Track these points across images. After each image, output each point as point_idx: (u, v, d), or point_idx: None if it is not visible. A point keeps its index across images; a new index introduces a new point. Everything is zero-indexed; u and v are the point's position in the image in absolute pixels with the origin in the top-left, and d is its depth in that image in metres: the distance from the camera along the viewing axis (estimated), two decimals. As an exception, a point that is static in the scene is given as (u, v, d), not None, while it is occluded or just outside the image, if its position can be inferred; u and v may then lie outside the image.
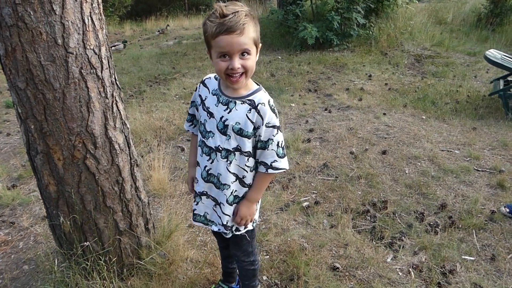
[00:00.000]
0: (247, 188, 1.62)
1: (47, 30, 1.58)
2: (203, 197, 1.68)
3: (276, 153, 1.50)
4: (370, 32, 7.80)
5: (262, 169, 1.55)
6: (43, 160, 1.82)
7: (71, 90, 1.70)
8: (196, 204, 1.72)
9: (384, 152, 3.62)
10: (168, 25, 12.66)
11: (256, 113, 1.46)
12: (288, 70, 6.73)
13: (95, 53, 1.76)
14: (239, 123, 1.47)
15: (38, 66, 1.61)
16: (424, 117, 4.60)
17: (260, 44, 1.46)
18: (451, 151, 3.67)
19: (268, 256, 2.38)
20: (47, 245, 2.55)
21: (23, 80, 1.64)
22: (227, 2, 1.42)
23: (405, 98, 5.24)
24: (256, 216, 1.72)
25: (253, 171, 1.60)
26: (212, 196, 1.65)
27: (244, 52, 1.38)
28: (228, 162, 1.53)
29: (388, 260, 2.34)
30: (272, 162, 1.51)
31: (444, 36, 8.16)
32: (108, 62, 1.86)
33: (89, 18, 1.70)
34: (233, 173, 1.56)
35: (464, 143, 3.83)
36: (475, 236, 2.51)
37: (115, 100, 1.91)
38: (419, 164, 3.43)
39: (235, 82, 1.42)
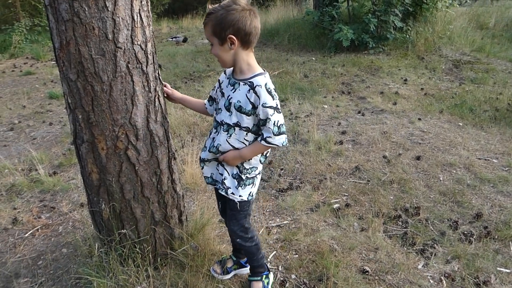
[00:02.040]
0: None
1: (99, 25, 1.66)
2: (206, 162, 1.92)
3: (272, 131, 1.68)
4: (407, 36, 7.66)
5: (259, 138, 1.75)
6: (88, 149, 1.91)
7: (117, 83, 1.78)
8: (202, 169, 1.96)
9: (418, 158, 3.56)
10: None
11: (253, 93, 1.66)
12: (321, 71, 6.70)
13: (142, 49, 1.83)
14: (240, 101, 1.70)
15: (89, 59, 1.70)
16: (461, 124, 4.49)
17: (231, 36, 1.62)
18: (488, 159, 3.57)
19: (297, 255, 2.40)
20: (84, 231, 2.66)
21: (74, 72, 1.73)
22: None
23: (441, 104, 5.12)
24: (254, 190, 1.89)
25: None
26: (214, 159, 1.90)
27: (210, 42, 1.70)
28: (228, 135, 1.76)
29: (419, 266, 2.31)
30: (267, 137, 1.70)
31: (485, 42, 7.90)
32: (153, 58, 1.93)
33: (138, 15, 1.77)
34: (232, 145, 1.77)
35: (503, 152, 3.71)
36: (511, 248, 2.45)
37: (158, 94, 1.98)
38: (454, 171, 3.36)
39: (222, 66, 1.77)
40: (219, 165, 1.87)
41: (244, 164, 1.81)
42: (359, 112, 4.85)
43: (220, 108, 1.81)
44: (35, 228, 2.75)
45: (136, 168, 1.97)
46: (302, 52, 8.22)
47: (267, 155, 1.92)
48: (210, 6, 1.66)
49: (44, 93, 6.21)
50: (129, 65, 1.79)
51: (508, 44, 8.01)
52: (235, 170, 1.82)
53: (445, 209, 2.83)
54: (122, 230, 2.07)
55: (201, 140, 4.10)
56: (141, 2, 1.79)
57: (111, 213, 2.03)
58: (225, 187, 1.83)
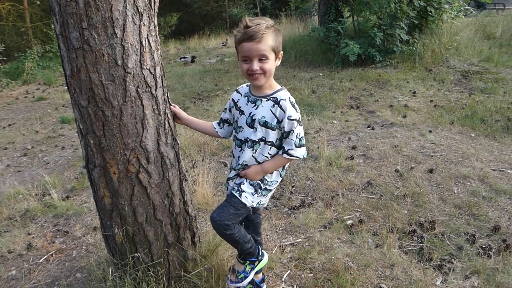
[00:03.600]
0: None
1: (108, 52, 1.69)
2: (230, 181, 1.96)
3: (294, 143, 1.76)
4: (414, 48, 7.66)
5: (280, 152, 1.82)
6: (100, 174, 1.92)
7: (128, 107, 1.81)
8: (227, 189, 2.01)
9: (430, 171, 3.52)
10: (227, 39, 14.25)
11: (278, 108, 1.74)
12: (329, 86, 6.72)
13: (151, 73, 1.86)
14: (265, 117, 1.76)
15: (99, 85, 1.73)
16: (472, 135, 4.44)
17: (282, 52, 1.76)
18: (503, 170, 3.51)
19: (312, 274, 2.36)
20: (98, 255, 2.66)
21: (85, 98, 1.76)
22: (257, 16, 1.71)
23: (452, 115, 5.08)
24: (265, 201, 1.96)
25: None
26: (234, 176, 1.94)
27: (262, 57, 1.67)
28: (254, 150, 1.82)
29: (438, 283, 2.26)
30: (289, 149, 1.77)
31: (492, 51, 7.87)
32: (162, 81, 1.95)
33: (146, 40, 1.81)
34: (256, 159, 1.84)
35: (518, 163, 3.66)
36: (532, 261, 2.38)
37: (167, 117, 2.00)
38: (468, 183, 3.31)
39: (255, 79, 1.73)
40: (239, 177, 1.93)
41: (265, 177, 1.88)
42: (368, 126, 4.83)
43: (241, 127, 1.85)
44: (49, 253, 2.76)
45: (148, 191, 1.97)
46: (309, 68, 8.27)
47: (286, 168, 1.98)
48: (248, 21, 1.66)
49: (56, 118, 6.31)
50: (138, 89, 1.81)
51: (516, 53, 7.97)
52: (256, 181, 1.88)
53: (461, 223, 2.78)
54: (136, 254, 2.06)
55: (211, 160, 4.10)
56: (149, 27, 1.82)
57: (124, 237, 2.03)
58: (240, 189, 1.85)
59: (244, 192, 1.85)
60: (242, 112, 1.85)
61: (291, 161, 1.86)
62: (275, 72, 1.81)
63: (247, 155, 1.83)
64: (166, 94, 2.00)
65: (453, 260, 2.42)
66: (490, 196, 3.09)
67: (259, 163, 1.84)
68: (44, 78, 9.52)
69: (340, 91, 6.42)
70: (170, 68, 10.12)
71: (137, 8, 1.75)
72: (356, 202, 3.15)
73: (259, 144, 1.81)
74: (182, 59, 10.66)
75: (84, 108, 1.79)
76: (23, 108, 7.27)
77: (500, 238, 2.58)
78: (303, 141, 1.79)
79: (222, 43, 14.11)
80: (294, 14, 13.51)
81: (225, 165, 4.00)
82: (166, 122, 1.99)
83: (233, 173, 1.94)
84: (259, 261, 2.08)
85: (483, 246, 2.52)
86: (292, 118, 1.73)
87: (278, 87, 1.82)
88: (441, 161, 3.73)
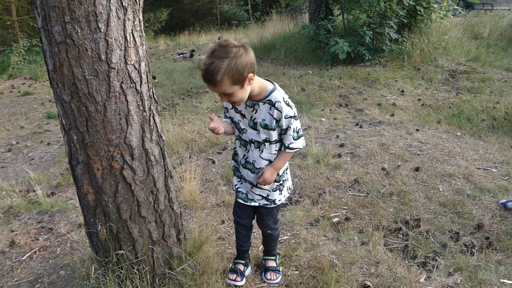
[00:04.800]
0: None
1: (92, 46, 1.67)
2: (242, 180, 2.08)
3: (292, 137, 1.88)
4: (403, 47, 7.71)
5: (283, 148, 1.95)
6: (83, 170, 1.90)
7: (111, 103, 1.78)
8: (241, 184, 2.10)
9: (417, 169, 3.55)
10: (221, 35, 14.51)
11: (275, 110, 1.82)
12: (318, 84, 6.73)
13: (135, 68, 1.83)
14: (265, 120, 1.86)
15: (82, 80, 1.70)
16: (459, 133, 4.48)
17: (251, 75, 1.68)
18: (488, 169, 3.55)
19: (297, 271, 2.37)
20: (82, 252, 2.63)
21: (68, 94, 1.73)
22: (220, 41, 1.73)
23: (439, 114, 5.13)
24: (289, 185, 2.16)
25: None
26: (248, 181, 2.04)
27: (225, 94, 1.70)
28: (260, 150, 1.94)
29: (421, 280, 2.28)
30: (289, 144, 1.90)
31: (480, 51, 7.96)
32: (147, 77, 1.93)
33: (131, 35, 1.78)
34: (265, 159, 1.96)
35: (502, 162, 3.70)
36: (514, 259, 2.42)
37: (152, 113, 1.98)
38: (453, 182, 3.34)
39: (236, 105, 1.89)
40: (253, 187, 2.04)
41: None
42: (357, 125, 4.86)
43: (244, 129, 1.94)
44: (33, 251, 2.72)
45: (132, 187, 1.95)
46: (299, 65, 8.27)
47: None
48: (202, 64, 1.62)
49: (42, 113, 6.22)
50: (122, 85, 1.79)
51: (503, 53, 8.08)
52: (274, 184, 2.03)
53: (445, 221, 2.81)
54: (120, 251, 2.04)
55: (199, 157, 4.08)
56: (133, 22, 1.80)
57: (108, 234, 2.00)
58: (271, 200, 2.06)
59: (275, 199, 2.07)
60: (243, 116, 1.93)
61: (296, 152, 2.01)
62: (265, 69, 1.83)
63: (255, 155, 1.95)
64: (151, 90, 1.98)
65: (437, 257, 2.44)
66: (474, 194, 3.12)
67: (270, 161, 1.96)
68: (31, 72, 9.37)
69: (329, 89, 6.43)
70: (159, 64, 10.06)
71: (122, 3, 1.72)
72: (342, 199, 3.16)
73: (264, 145, 1.92)
74: (181, 55, 10.52)
75: (67, 104, 1.77)
76: (8, 103, 7.16)
77: (483, 236, 2.61)
78: (301, 132, 1.90)
79: (218, 38, 14.28)
80: (284, 11, 13.53)
81: (213, 162, 3.98)
82: (151, 119, 1.97)
83: (242, 171, 2.05)
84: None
85: (467, 243, 2.55)
86: (288, 116, 1.82)
87: (270, 86, 1.84)
88: (428, 159, 3.77)
